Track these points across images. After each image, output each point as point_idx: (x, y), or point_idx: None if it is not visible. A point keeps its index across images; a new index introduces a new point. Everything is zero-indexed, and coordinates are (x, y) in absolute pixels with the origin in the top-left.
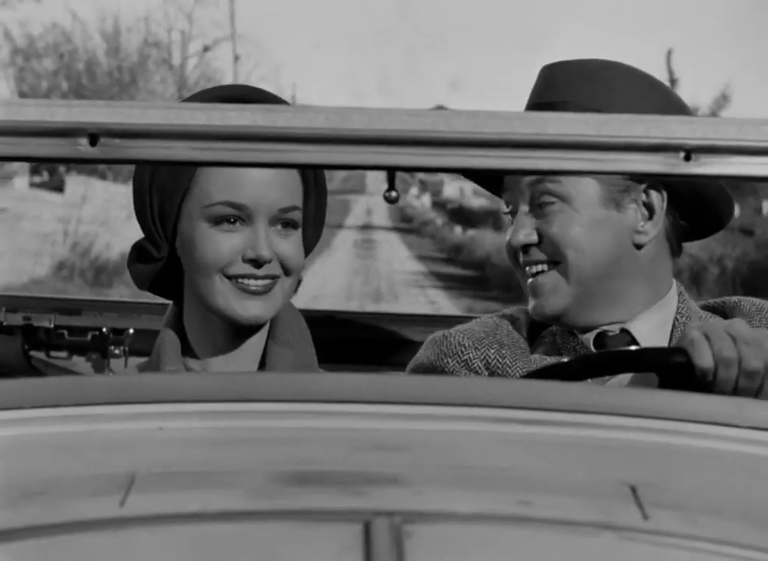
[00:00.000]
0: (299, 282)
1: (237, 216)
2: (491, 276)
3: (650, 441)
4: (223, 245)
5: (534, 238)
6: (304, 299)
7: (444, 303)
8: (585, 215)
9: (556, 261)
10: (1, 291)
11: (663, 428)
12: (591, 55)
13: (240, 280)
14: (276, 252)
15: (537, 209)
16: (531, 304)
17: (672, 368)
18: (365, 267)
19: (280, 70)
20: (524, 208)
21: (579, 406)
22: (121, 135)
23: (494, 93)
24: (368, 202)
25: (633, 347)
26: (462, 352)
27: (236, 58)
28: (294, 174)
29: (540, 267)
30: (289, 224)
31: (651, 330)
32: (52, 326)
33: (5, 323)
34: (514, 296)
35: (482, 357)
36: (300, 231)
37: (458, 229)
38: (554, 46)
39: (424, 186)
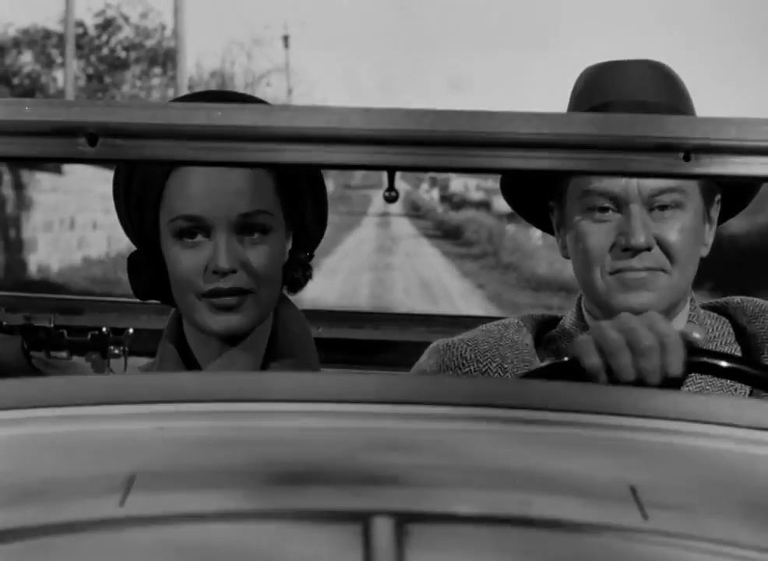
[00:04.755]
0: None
1: (196, 228)
2: (456, 233)
3: (650, 441)
4: (186, 260)
5: (653, 242)
6: (338, 260)
7: (428, 246)
8: (695, 225)
9: (664, 268)
10: None
11: (663, 428)
12: (591, 55)
13: (209, 297)
14: (241, 262)
15: (655, 213)
16: (621, 296)
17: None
18: (383, 238)
19: (313, 87)
20: (640, 210)
21: (578, 406)
22: (120, 134)
23: (495, 93)
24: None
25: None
26: (463, 365)
27: (289, 90)
28: (264, 176)
29: (648, 272)
30: (257, 230)
31: None
32: (52, 325)
33: (5, 323)
34: (473, 247)
35: (483, 370)
36: (274, 235)
37: (450, 213)
38: (555, 46)
39: (434, 181)
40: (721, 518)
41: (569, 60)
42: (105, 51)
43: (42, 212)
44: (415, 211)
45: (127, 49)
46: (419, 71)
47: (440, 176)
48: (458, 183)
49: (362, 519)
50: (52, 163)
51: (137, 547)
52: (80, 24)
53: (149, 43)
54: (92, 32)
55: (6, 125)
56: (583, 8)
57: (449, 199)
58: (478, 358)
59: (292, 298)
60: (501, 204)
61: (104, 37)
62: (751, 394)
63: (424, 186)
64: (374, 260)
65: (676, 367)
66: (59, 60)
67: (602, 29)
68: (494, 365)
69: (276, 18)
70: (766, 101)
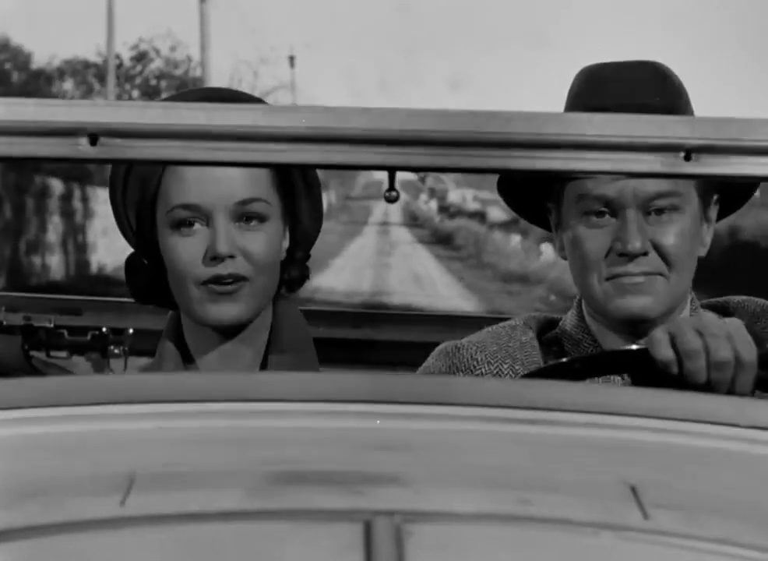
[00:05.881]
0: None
1: (194, 217)
2: (448, 239)
3: (651, 441)
4: (184, 249)
5: (649, 247)
6: (345, 260)
7: (423, 251)
8: (692, 227)
9: (661, 272)
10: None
11: (663, 427)
12: (592, 55)
13: (209, 284)
14: (239, 248)
15: (651, 217)
16: (619, 302)
17: (639, 367)
18: (384, 244)
19: (315, 101)
20: (635, 214)
21: (579, 406)
22: (121, 134)
23: (495, 93)
24: (386, 206)
25: (634, 347)
26: (474, 367)
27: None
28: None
29: (645, 277)
30: (253, 217)
31: None
32: (52, 325)
33: (5, 323)
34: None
35: (495, 372)
36: (271, 224)
37: (445, 222)
38: (555, 46)
39: (432, 192)
40: (722, 518)
41: (570, 60)
42: (139, 80)
43: (100, 220)
44: (413, 221)
45: (158, 78)
46: (419, 71)
47: (438, 187)
48: (456, 194)
49: (363, 518)
50: (53, 163)
51: (138, 546)
52: (117, 56)
53: (178, 72)
54: (127, 63)
55: (7, 125)
56: (584, 8)
57: (447, 210)
58: (489, 359)
59: (301, 290)
60: (494, 214)
61: (138, 68)
62: (752, 394)
63: (423, 197)
64: (374, 261)
65: (744, 386)
66: (97, 87)
67: (603, 28)
68: (506, 366)
69: (282, 40)
70: None
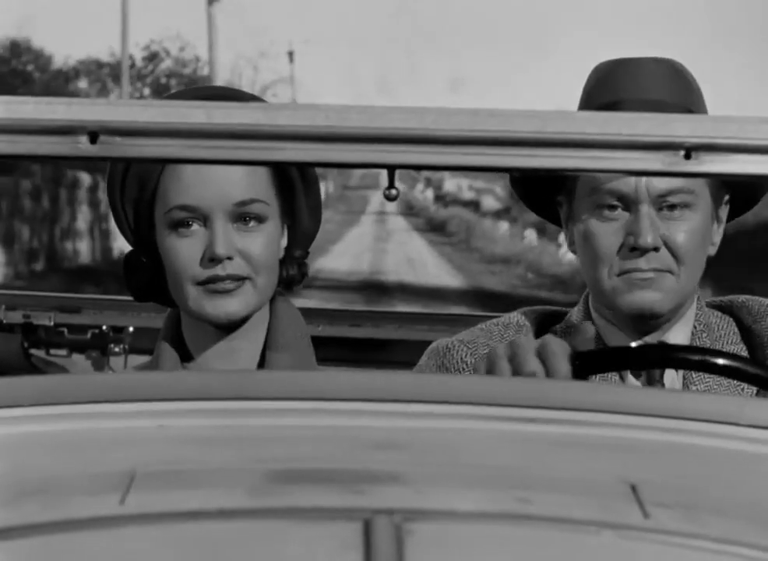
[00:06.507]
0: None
1: (192, 218)
2: (441, 226)
3: (651, 439)
4: (182, 249)
5: (660, 242)
6: (345, 246)
7: (418, 238)
8: (703, 226)
9: (671, 269)
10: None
11: (663, 426)
12: (592, 56)
13: (207, 284)
14: (237, 249)
15: (664, 213)
16: (628, 297)
17: (638, 364)
18: (380, 232)
19: (315, 96)
20: (648, 210)
21: (579, 404)
22: (121, 133)
23: (495, 93)
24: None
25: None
26: (464, 368)
27: (293, 100)
28: (257, 166)
29: (655, 273)
30: (252, 218)
31: (682, 339)
32: (52, 323)
33: (5, 321)
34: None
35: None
36: (269, 224)
37: (440, 210)
38: (556, 46)
39: (428, 182)
40: (723, 517)
41: (570, 60)
42: (150, 79)
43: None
44: (409, 210)
45: (168, 77)
46: (419, 71)
47: (434, 177)
48: (451, 183)
49: (362, 517)
50: (54, 161)
51: (137, 545)
52: (130, 57)
53: (186, 71)
54: (139, 63)
55: (7, 124)
56: (585, 8)
57: (443, 199)
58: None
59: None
60: (488, 203)
61: (150, 67)
62: (758, 394)
63: (419, 187)
64: (372, 246)
65: None
66: (110, 86)
67: (604, 28)
68: None
69: (281, 36)
70: None
